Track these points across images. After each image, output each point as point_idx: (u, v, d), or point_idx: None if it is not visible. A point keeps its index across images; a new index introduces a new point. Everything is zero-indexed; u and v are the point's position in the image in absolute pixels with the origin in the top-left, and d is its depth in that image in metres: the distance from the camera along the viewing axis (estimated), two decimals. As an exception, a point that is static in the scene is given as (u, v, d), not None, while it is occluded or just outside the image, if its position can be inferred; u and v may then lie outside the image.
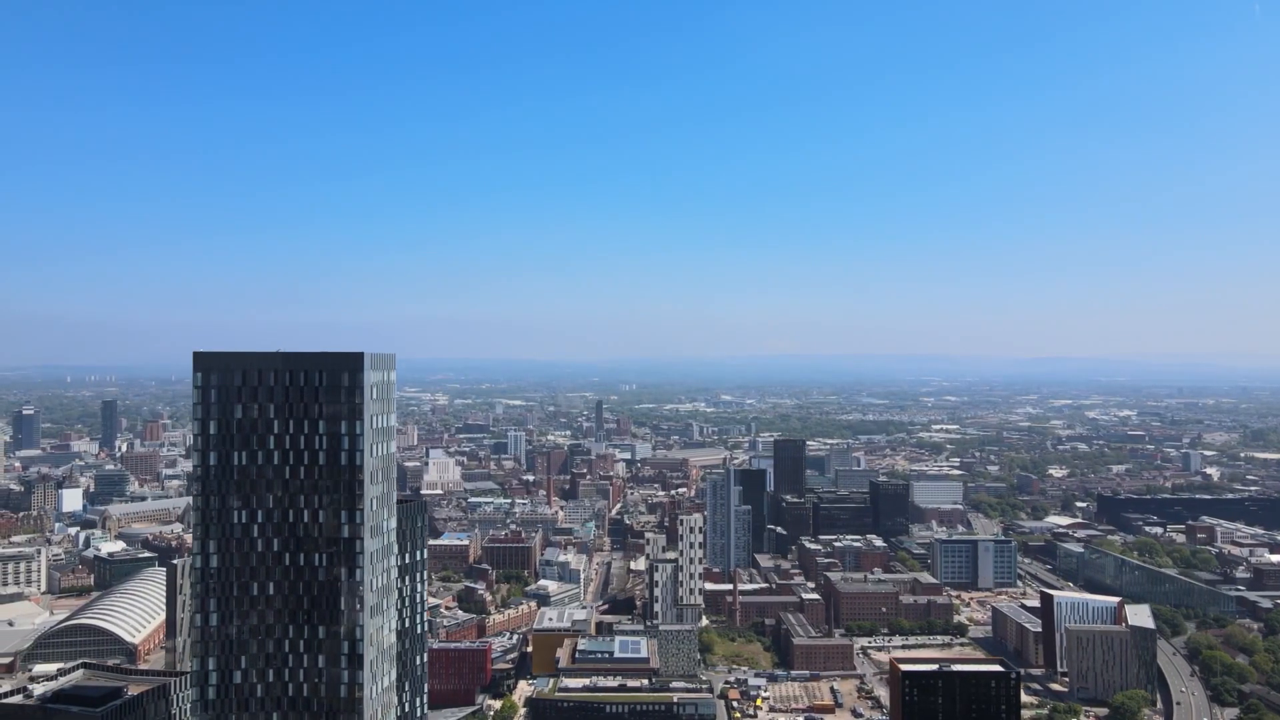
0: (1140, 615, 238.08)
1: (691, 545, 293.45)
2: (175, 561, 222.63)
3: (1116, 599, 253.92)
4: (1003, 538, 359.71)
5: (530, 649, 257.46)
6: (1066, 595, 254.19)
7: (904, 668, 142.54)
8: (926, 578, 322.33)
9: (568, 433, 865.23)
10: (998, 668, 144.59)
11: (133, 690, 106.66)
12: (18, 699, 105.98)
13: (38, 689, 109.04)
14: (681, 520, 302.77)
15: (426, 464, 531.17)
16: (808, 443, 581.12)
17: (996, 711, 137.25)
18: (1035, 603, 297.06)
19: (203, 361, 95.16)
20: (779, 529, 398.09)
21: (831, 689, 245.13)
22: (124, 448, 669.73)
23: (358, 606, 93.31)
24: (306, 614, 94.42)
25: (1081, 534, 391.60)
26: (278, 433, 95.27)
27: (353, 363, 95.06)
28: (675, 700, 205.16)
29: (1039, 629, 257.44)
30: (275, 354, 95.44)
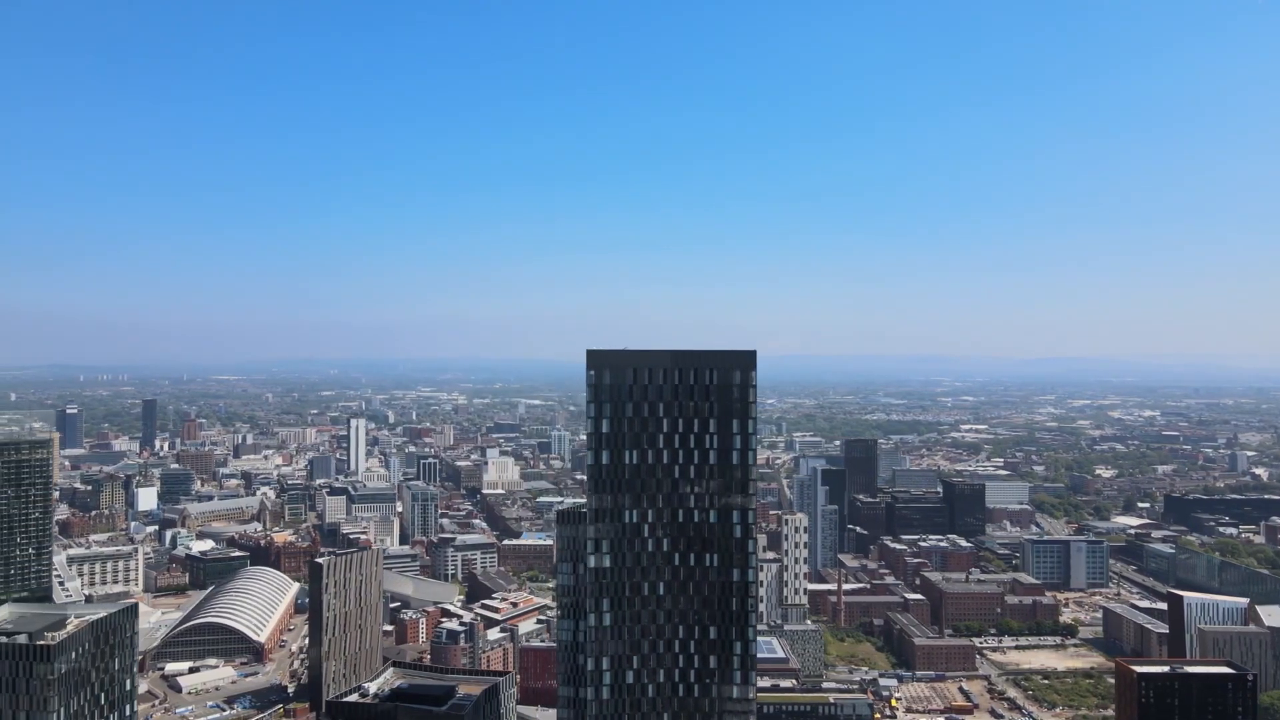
0: (1275, 616, 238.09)
1: (796, 545, 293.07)
2: (320, 560, 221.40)
3: (1245, 599, 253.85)
4: (1094, 538, 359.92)
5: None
6: (1196, 596, 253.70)
7: (1138, 670, 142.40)
8: (1026, 578, 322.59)
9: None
10: (1228, 669, 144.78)
11: (461, 689, 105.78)
12: (353, 697, 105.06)
13: (371, 688, 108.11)
14: (786, 520, 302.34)
15: (485, 464, 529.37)
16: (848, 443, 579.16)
17: (1233, 714, 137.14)
18: (1142, 603, 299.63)
19: (595, 359, 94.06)
20: (858, 529, 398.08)
21: (961, 689, 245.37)
22: (165, 447, 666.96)
23: (750, 607, 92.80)
24: (697, 615, 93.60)
25: (1158, 534, 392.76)
26: (667, 431, 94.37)
27: (745, 361, 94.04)
28: (831, 700, 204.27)
29: (1162, 629, 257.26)
30: (665, 352, 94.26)
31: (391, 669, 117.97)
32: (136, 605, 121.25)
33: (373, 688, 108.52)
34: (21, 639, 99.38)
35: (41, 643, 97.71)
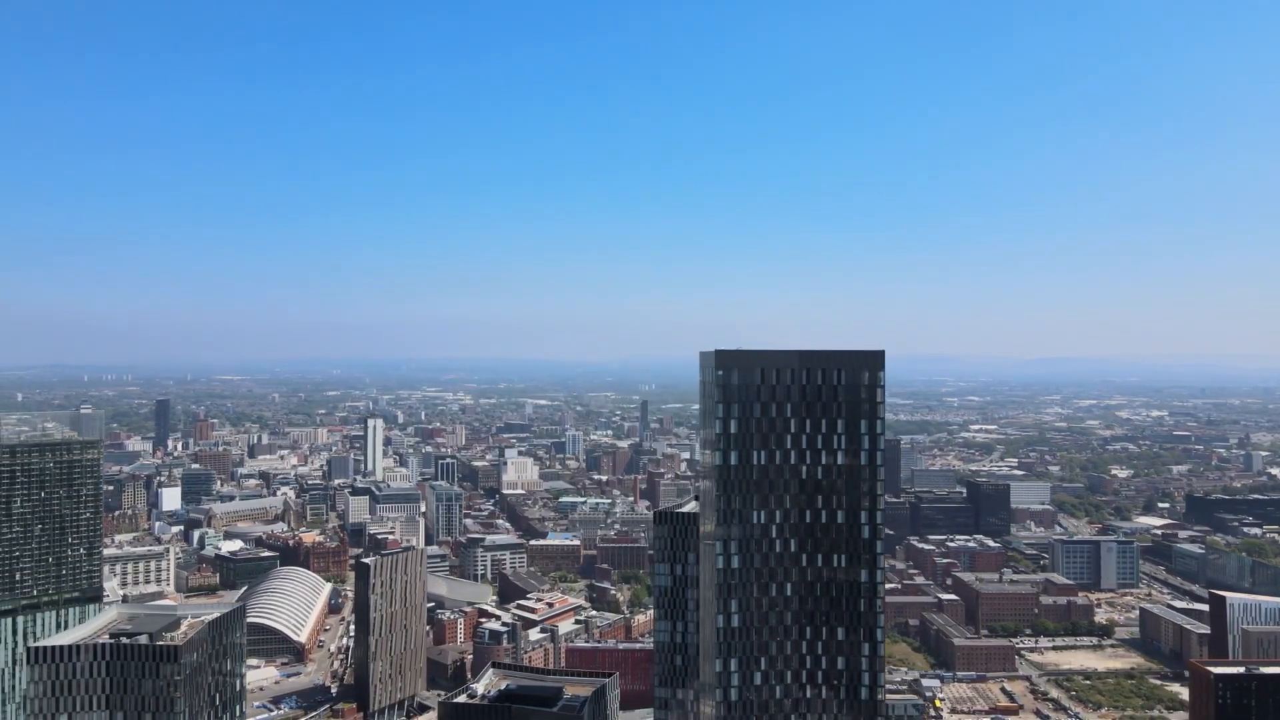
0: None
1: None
2: (366, 560, 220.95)
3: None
4: (1124, 539, 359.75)
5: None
6: (1239, 597, 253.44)
7: (1215, 671, 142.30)
8: (1059, 578, 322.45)
9: (609, 432, 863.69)
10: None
11: (568, 691, 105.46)
12: (462, 698, 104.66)
13: (478, 688, 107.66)
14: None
15: (503, 464, 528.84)
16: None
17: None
18: (1176, 603, 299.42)
19: (724, 360, 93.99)
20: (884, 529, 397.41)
21: (1003, 689, 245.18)
22: (178, 447, 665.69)
23: (878, 609, 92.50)
24: (824, 615, 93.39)
25: (1184, 534, 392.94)
26: (794, 432, 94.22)
27: (873, 361, 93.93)
28: (887, 701, 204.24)
29: (1202, 630, 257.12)
30: (793, 352, 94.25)
31: (492, 669, 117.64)
32: (244, 607, 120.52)
33: (480, 688, 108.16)
34: (142, 639, 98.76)
35: (167, 643, 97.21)
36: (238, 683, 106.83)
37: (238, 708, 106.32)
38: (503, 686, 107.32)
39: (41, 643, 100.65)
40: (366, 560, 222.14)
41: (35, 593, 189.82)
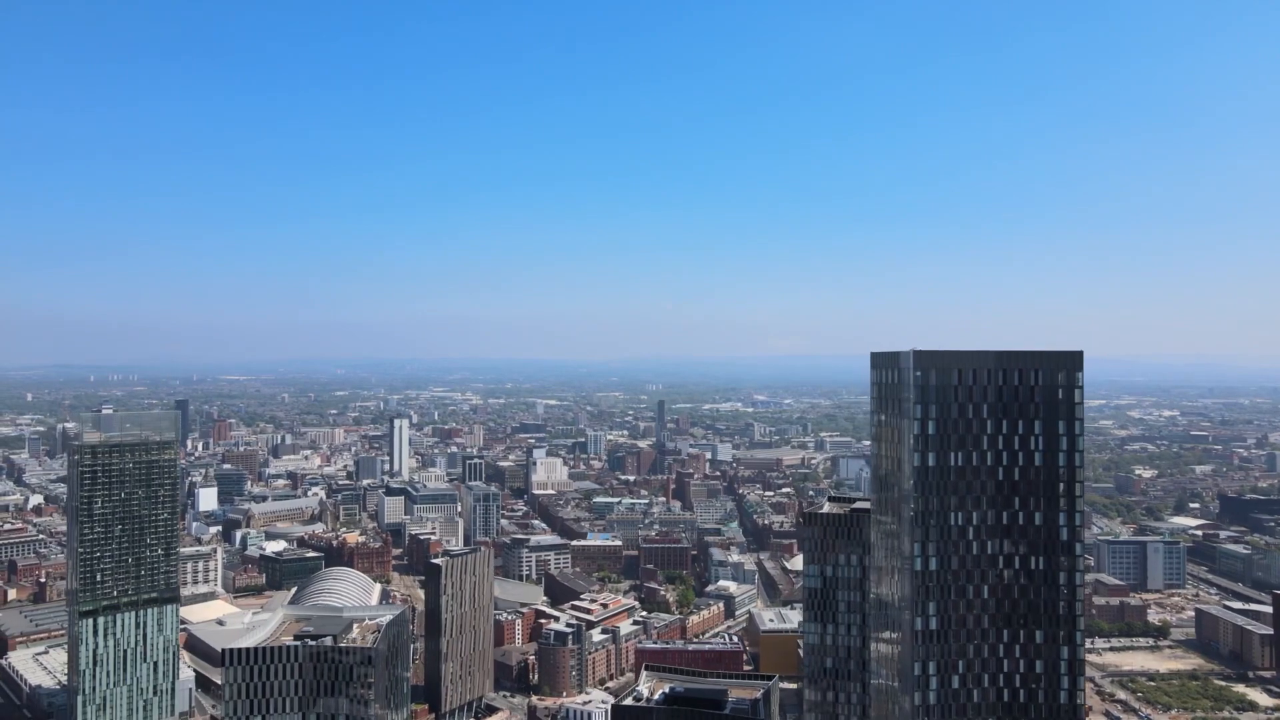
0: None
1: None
2: (437, 561, 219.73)
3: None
4: (1169, 539, 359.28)
5: (752, 650, 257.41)
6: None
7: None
8: (1109, 579, 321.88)
9: (624, 432, 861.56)
10: None
11: (732, 693, 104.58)
12: (629, 700, 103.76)
13: (643, 691, 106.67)
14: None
15: (530, 464, 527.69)
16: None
17: None
18: (1234, 604, 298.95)
19: (922, 360, 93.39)
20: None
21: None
22: (198, 448, 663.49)
23: (1078, 611, 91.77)
24: (1022, 618, 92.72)
25: (1224, 534, 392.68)
26: (991, 433, 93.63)
27: (1071, 361, 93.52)
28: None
29: (1264, 631, 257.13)
30: (989, 353, 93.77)
31: (646, 671, 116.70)
32: (409, 609, 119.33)
33: (644, 690, 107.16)
34: (327, 641, 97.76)
35: (356, 645, 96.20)
36: (405, 685, 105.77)
37: (405, 709, 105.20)
38: (666, 689, 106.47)
39: (234, 645, 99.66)
40: (437, 561, 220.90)
41: (115, 593, 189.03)
